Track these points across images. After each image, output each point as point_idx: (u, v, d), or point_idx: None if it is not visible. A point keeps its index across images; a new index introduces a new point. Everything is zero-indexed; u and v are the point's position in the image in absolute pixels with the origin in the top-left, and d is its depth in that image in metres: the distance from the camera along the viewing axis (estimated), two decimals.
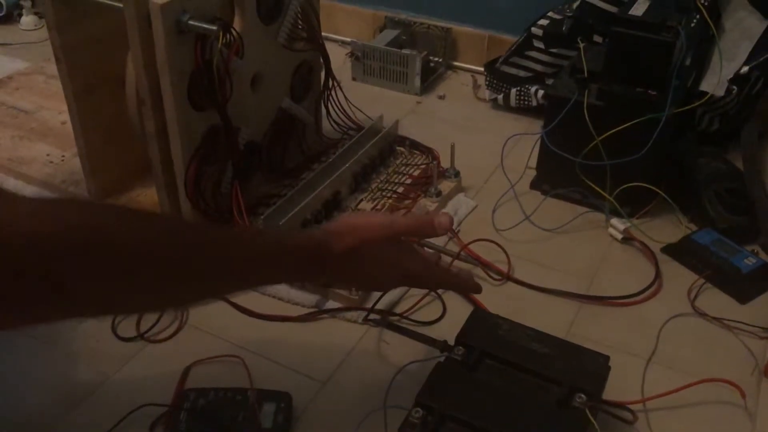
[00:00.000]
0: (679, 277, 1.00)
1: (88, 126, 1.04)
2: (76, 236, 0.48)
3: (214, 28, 0.85)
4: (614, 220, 1.07)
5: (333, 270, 0.70)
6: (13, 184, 1.15)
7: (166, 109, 0.90)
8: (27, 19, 1.70)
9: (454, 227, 1.06)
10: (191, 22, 0.85)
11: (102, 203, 0.61)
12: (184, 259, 0.57)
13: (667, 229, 1.08)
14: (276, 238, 0.69)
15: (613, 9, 1.26)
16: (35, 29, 1.69)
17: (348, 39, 1.56)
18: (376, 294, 0.94)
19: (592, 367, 0.74)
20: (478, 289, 0.83)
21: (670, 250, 1.04)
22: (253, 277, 0.67)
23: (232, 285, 0.68)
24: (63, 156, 1.20)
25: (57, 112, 1.31)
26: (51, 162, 1.19)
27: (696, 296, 0.96)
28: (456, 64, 1.55)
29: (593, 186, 1.08)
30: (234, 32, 0.91)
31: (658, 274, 1.00)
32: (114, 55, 0.96)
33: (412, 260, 0.75)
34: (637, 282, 0.98)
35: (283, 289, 0.96)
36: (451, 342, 0.77)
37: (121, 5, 0.87)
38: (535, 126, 1.31)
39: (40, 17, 1.70)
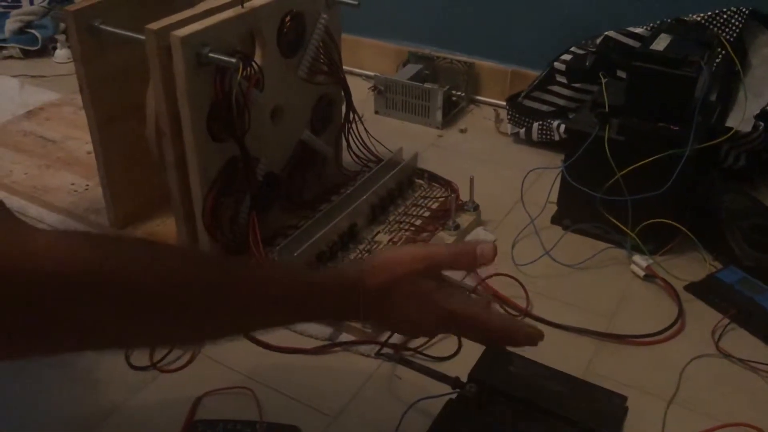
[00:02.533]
0: (702, 316, 0.97)
1: (109, 155, 1.05)
2: (91, 276, 0.47)
3: (234, 60, 0.87)
4: (636, 257, 1.05)
5: (367, 311, 0.63)
6: (37, 213, 1.17)
7: (186, 140, 0.91)
8: (61, 53, 1.75)
9: None
10: (211, 55, 0.87)
11: (118, 237, 0.59)
12: (204, 299, 0.54)
13: (690, 266, 1.06)
14: (307, 279, 0.63)
15: (636, 44, 1.25)
16: (68, 62, 1.73)
17: (371, 73, 1.57)
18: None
19: (609, 407, 0.72)
20: (541, 337, 0.68)
21: (693, 288, 1.01)
22: (279, 317, 0.62)
23: (256, 325, 0.64)
24: (87, 185, 1.22)
25: (83, 142, 1.34)
26: (75, 191, 1.21)
27: (720, 337, 0.93)
28: (478, 98, 1.55)
29: (615, 221, 1.06)
30: (254, 65, 0.93)
31: (680, 313, 0.97)
32: (136, 86, 0.98)
33: (455, 299, 0.65)
34: (658, 320, 0.96)
35: None
36: (464, 378, 0.75)
37: (143, 38, 0.88)
38: (557, 160, 1.30)
39: None
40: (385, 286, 0.62)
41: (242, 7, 0.93)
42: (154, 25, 0.87)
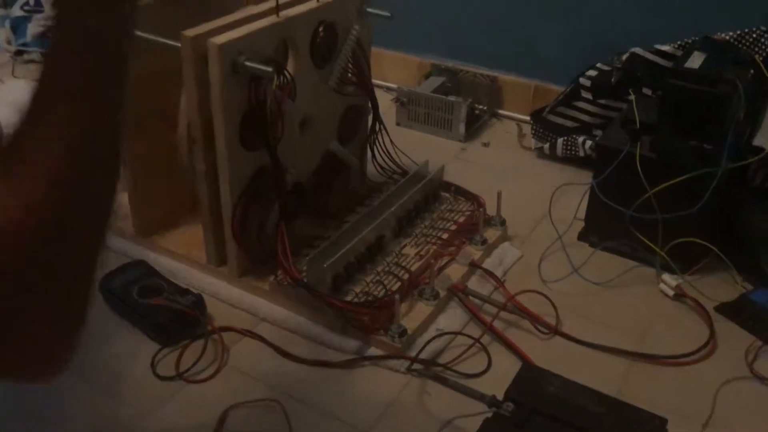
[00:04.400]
0: (734, 337, 0.96)
1: (136, 161, 1.05)
2: None
3: (270, 69, 0.86)
4: (666, 276, 1.04)
5: None
6: None
7: (218, 148, 0.91)
8: None
9: (500, 277, 1.04)
10: (247, 63, 0.86)
11: None
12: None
13: (720, 286, 1.04)
14: None
15: (663, 62, 1.25)
16: None
17: (394, 85, 1.57)
18: (420, 342, 0.92)
19: (649, 429, 0.71)
20: None
21: (724, 309, 1.00)
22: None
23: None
24: None
25: None
26: None
27: (754, 359, 0.92)
28: (501, 111, 1.55)
29: (644, 240, 1.05)
30: (288, 74, 0.92)
31: (712, 334, 0.96)
32: (165, 92, 0.97)
33: None
34: (689, 341, 0.94)
35: (324, 333, 0.94)
36: (500, 397, 0.74)
37: (178, 44, 0.88)
38: (582, 176, 1.29)
39: None
40: None
41: (277, 16, 0.92)
42: (191, 32, 0.87)
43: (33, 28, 1.75)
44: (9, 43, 1.78)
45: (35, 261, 0.43)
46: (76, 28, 0.54)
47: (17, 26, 1.77)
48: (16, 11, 1.80)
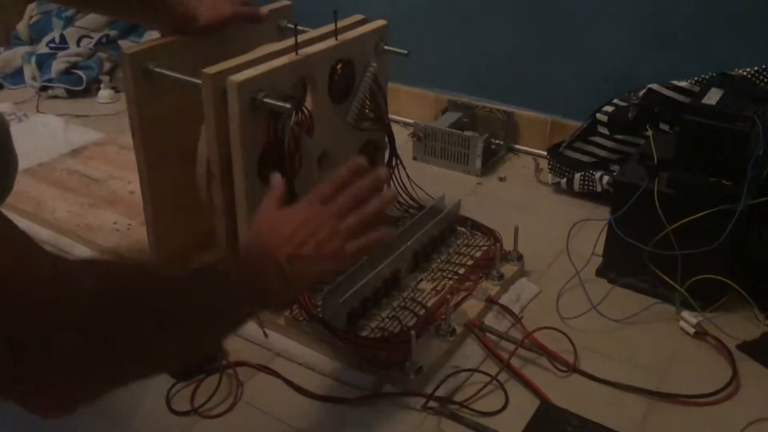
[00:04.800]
0: (758, 377, 0.94)
1: (156, 196, 1.06)
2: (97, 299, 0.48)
3: (288, 106, 0.87)
4: (685, 313, 1.03)
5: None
6: (80, 251, 1.18)
7: (236, 183, 0.92)
8: (104, 93, 1.78)
9: (517, 313, 1.03)
10: (266, 100, 0.87)
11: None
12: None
13: (742, 324, 1.03)
14: (223, 269, 0.67)
15: (680, 97, 1.25)
16: (111, 102, 1.77)
17: (411, 120, 1.58)
18: (436, 379, 0.91)
19: None
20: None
21: (747, 347, 0.98)
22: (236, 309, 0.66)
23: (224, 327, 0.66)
24: (129, 224, 1.22)
25: (126, 182, 1.35)
26: (117, 230, 1.21)
27: None
28: (517, 146, 1.55)
29: (663, 276, 1.04)
30: (306, 110, 0.93)
31: (735, 373, 0.94)
32: (186, 128, 0.99)
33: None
34: (711, 380, 0.93)
35: (339, 369, 0.93)
36: None
37: (198, 81, 0.90)
38: (599, 211, 1.28)
39: (117, 91, 1.79)
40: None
41: (296, 54, 0.94)
42: (210, 70, 0.88)
43: (57, 65, 1.79)
44: (34, 78, 1.82)
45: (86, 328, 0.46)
46: (235, 296, 0.65)
47: (42, 63, 1.82)
48: (42, 48, 1.85)
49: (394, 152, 1.17)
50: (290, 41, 0.96)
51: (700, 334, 1.01)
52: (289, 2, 1.15)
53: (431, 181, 1.34)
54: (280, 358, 0.97)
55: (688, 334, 1.02)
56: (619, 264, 1.11)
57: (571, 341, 0.98)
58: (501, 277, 1.09)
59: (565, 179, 1.37)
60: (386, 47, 1.08)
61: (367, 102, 1.08)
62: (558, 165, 1.38)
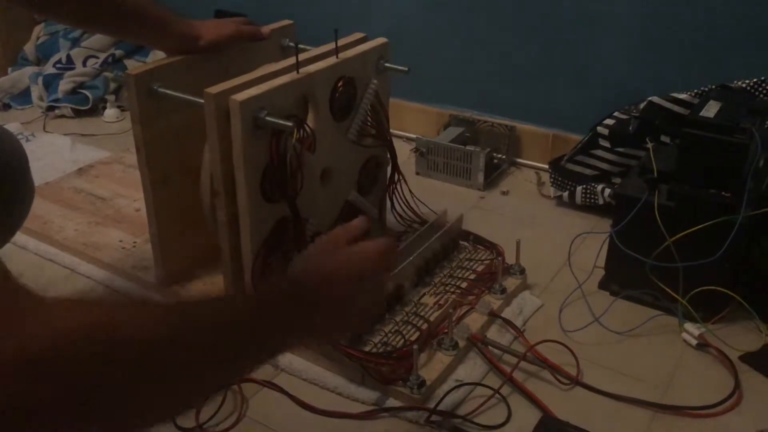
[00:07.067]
0: (761, 388, 0.94)
1: (161, 214, 1.07)
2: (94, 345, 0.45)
3: (290, 124, 0.88)
4: (688, 325, 1.03)
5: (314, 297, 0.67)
6: (86, 269, 1.19)
7: (239, 200, 0.93)
8: (110, 112, 1.80)
9: (520, 326, 1.04)
10: (268, 118, 0.89)
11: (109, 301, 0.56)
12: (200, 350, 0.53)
13: (744, 336, 1.03)
14: (260, 302, 0.65)
15: (681, 110, 1.26)
16: (117, 121, 1.79)
17: (413, 135, 1.59)
18: (438, 393, 0.91)
19: None
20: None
21: (749, 359, 0.98)
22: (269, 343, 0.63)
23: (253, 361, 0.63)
24: (135, 242, 1.24)
25: (132, 200, 1.36)
26: (123, 248, 1.22)
27: None
28: (519, 160, 1.56)
29: (665, 288, 1.04)
30: (307, 128, 0.94)
31: (737, 385, 0.94)
32: (190, 147, 1.01)
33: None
34: (714, 392, 0.93)
35: (343, 384, 0.94)
36: None
37: (201, 101, 0.91)
38: (602, 224, 1.29)
39: (122, 110, 1.81)
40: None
41: (297, 72, 0.95)
42: (213, 89, 0.90)
43: (64, 85, 1.81)
44: (41, 99, 1.85)
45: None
46: (276, 328, 0.62)
47: (49, 83, 1.84)
48: (49, 68, 1.87)
49: (396, 168, 1.18)
50: (291, 60, 0.97)
51: (703, 345, 1.01)
52: (291, 21, 1.17)
53: (434, 195, 1.35)
54: (284, 373, 0.98)
55: (690, 345, 1.02)
56: (622, 276, 1.11)
57: (573, 354, 0.98)
58: (503, 290, 1.09)
59: (567, 192, 1.38)
60: (387, 64, 1.10)
61: (369, 119, 1.10)
62: (560, 178, 1.39)
